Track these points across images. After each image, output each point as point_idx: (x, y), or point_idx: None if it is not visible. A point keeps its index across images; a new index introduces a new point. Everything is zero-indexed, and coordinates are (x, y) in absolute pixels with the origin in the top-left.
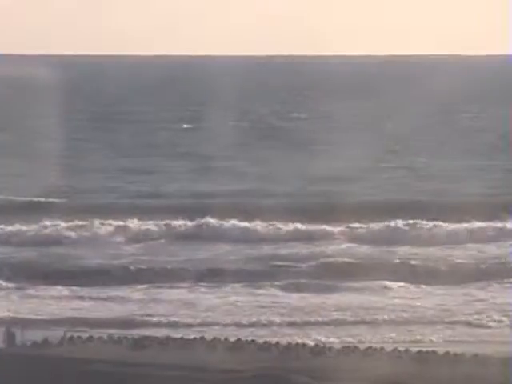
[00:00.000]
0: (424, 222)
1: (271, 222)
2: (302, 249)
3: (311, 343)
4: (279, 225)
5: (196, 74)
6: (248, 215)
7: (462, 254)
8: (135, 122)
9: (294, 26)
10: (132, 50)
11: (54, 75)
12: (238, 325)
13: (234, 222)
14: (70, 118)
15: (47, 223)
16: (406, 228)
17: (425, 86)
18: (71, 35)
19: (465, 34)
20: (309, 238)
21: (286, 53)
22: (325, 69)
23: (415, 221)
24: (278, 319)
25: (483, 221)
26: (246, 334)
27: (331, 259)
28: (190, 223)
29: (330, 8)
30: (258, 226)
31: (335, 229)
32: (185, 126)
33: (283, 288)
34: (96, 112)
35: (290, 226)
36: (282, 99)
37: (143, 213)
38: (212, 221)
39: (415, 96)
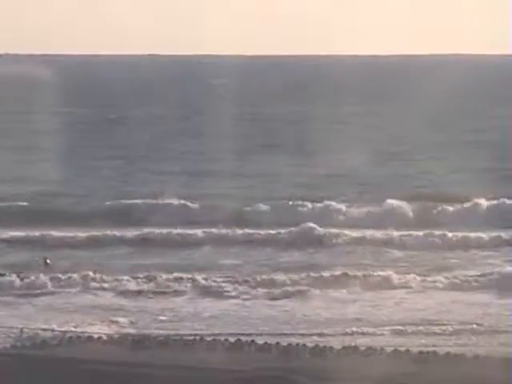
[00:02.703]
0: None
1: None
2: None
3: (311, 344)
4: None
5: (201, 74)
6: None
7: None
8: (134, 123)
9: (294, 26)
10: (131, 50)
11: (54, 75)
12: None
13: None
14: (67, 119)
15: None
16: None
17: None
18: (71, 35)
19: (465, 34)
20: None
21: (286, 53)
22: (328, 68)
23: None
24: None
25: None
26: None
27: None
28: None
29: (330, 8)
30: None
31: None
32: (190, 128)
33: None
34: (94, 112)
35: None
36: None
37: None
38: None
39: (432, 95)
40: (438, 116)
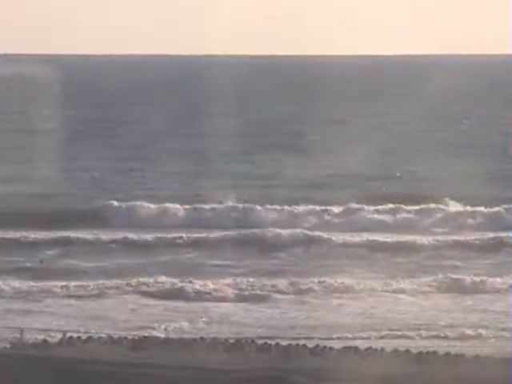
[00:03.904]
0: None
1: None
2: None
3: (311, 344)
4: None
5: (201, 74)
6: None
7: None
8: (134, 124)
9: (294, 26)
10: (131, 50)
11: (53, 75)
12: None
13: None
14: (67, 121)
15: None
16: None
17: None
18: (71, 35)
19: (465, 34)
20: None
21: (285, 53)
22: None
23: None
24: None
25: None
26: None
27: None
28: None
29: (329, 8)
30: None
31: None
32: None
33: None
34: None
35: None
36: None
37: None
38: None
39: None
40: (437, 116)
